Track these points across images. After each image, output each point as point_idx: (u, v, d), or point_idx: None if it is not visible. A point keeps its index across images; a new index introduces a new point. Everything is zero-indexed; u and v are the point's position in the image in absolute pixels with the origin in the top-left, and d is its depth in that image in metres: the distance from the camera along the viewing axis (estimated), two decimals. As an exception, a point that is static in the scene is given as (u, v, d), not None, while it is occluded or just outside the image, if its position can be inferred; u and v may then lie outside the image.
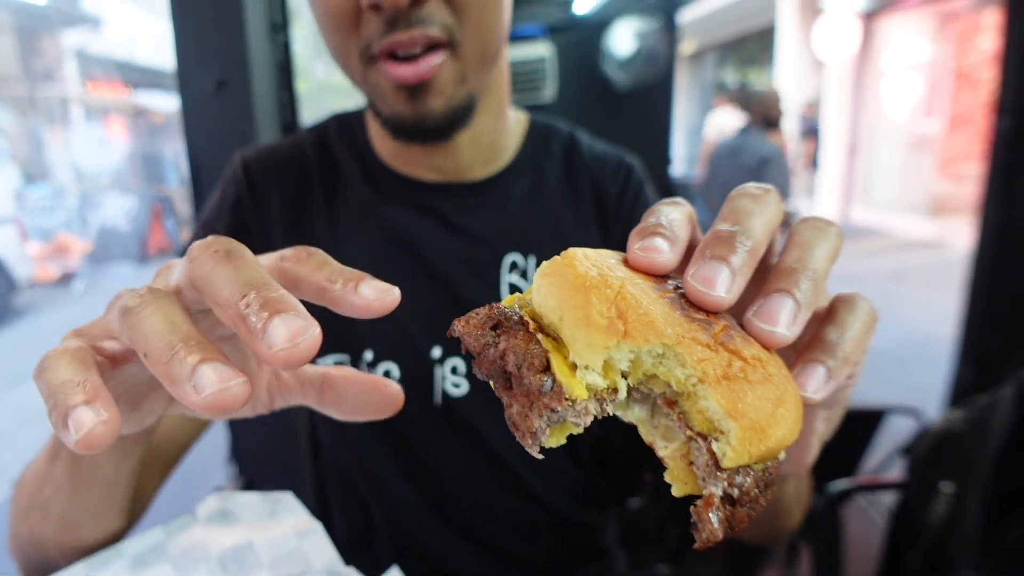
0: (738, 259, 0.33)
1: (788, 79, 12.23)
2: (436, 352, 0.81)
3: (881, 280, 7.88)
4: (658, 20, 4.64)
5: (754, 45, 14.34)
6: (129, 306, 0.34)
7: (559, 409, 0.30)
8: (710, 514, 0.30)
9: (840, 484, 1.46)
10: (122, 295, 0.37)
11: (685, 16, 5.17)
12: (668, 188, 5.31)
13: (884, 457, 1.83)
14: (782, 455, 0.32)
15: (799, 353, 0.37)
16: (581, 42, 4.71)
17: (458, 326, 0.33)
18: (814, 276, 0.35)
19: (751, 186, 0.38)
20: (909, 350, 5.66)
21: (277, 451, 1.48)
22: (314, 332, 0.31)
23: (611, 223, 0.89)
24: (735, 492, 0.30)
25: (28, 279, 7.83)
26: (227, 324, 0.33)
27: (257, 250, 0.84)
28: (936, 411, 1.80)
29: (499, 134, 0.85)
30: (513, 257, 0.83)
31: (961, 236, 8.06)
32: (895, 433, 1.89)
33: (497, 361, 0.31)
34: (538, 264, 0.83)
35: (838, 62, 11.42)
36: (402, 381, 0.81)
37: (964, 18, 9.49)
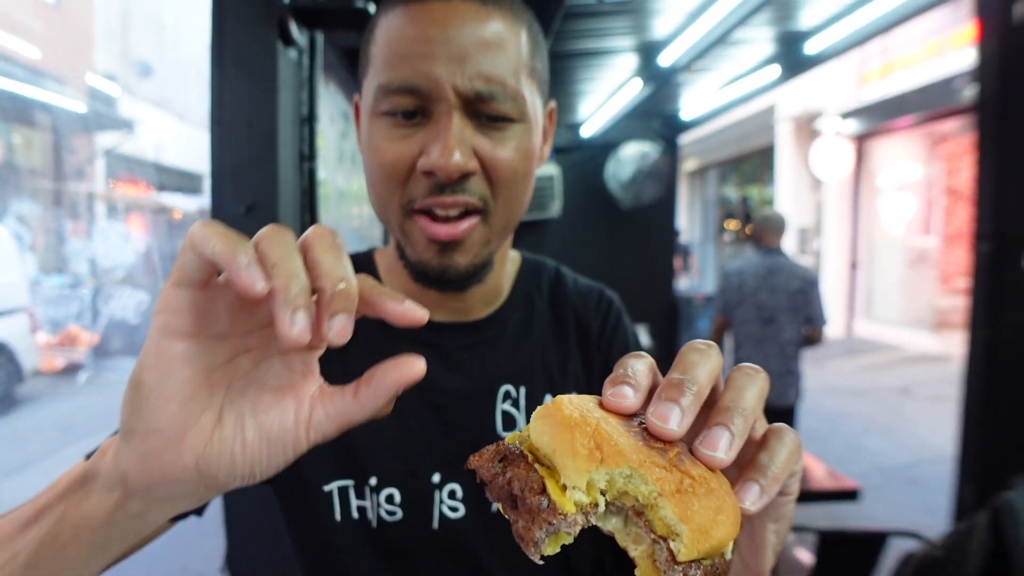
0: (687, 400, 0.42)
1: (788, 196, 12.68)
2: (436, 477, 0.85)
3: (888, 394, 7.80)
4: (659, 144, 4.92)
5: (755, 163, 14.93)
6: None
7: (554, 522, 0.38)
8: None
9: (841, 612, 1.43)
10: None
11: (686, 138, 5.41)
12: (672, 302, 5.40)
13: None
14: (728, 553, 0.41)
15: (739, 472, 0.46)
16: (586, 162, 4.99)
17: (473, 460, 0.43)
18: (744, 413, 0.44)
19: (698, 342, 0.47)
20: (920, 469, 5.55)
21: (272, 561, 1.47)
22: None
23: (593, 353, 0.97)
24: None
25: (34, 368, 7.85)
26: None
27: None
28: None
29: (500, 277, 0.94)
30: (506, 387, 0.90)
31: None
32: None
33: (505, 487, 0.40)
34: (528, 393, 0.91)
35: (835, 181, 11.87)
36: (403, 505, 0.84)
37: (953, 140, 9.95)
